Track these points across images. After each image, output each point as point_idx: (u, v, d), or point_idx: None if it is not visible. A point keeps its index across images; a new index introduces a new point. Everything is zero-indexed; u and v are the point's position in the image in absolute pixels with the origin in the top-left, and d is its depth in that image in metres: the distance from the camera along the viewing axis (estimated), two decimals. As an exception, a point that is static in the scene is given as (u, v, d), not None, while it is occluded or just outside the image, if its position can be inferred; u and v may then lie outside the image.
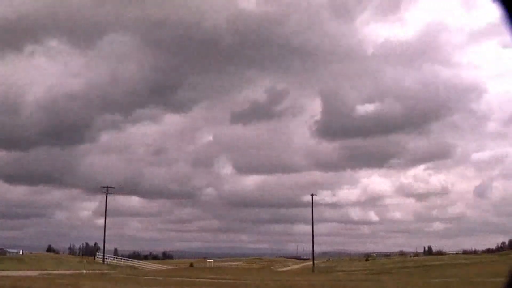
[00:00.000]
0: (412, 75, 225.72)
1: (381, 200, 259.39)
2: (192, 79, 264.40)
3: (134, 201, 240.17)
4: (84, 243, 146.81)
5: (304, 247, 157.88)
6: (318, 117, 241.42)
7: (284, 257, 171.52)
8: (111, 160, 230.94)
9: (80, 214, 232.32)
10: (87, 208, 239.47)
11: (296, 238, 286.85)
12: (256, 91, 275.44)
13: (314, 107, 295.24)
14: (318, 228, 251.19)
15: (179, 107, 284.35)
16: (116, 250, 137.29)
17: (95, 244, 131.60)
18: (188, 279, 51.90)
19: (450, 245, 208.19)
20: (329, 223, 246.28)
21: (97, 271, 68.95)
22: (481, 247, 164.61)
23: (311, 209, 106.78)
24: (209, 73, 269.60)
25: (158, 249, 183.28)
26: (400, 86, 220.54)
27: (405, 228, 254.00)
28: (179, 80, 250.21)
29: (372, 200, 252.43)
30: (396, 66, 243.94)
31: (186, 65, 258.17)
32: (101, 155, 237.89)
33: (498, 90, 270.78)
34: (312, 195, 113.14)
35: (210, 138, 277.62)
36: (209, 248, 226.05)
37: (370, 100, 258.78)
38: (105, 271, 69.44)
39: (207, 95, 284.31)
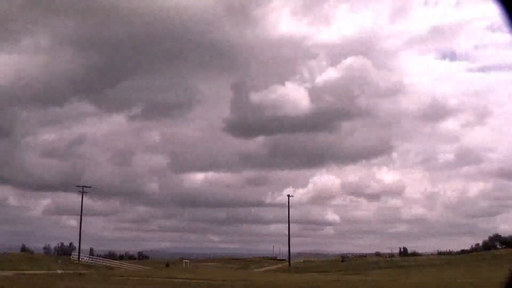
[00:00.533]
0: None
1: (337, 199, 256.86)
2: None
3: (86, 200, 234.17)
4: (60, 243, 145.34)
5: (281, 248, 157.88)
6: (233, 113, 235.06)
7: (260, 257, 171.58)
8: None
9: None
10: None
11: (266, 238, 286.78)
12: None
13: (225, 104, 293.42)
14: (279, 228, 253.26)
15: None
16: (91, 250, 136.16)
17: (71, 244, 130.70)
18: (165, 279, 51.85)
19: (421, 246, 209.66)
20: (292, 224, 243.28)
21: (73, 271, 68.52)
22: (448, 248, 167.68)
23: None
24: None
25: (135, 249, 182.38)
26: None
27: (372, 229, 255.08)
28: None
29: (327, 199, 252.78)
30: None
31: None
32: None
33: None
34: (288, 196, 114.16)
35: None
36: (182, 249, 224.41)
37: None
38: (81, 271, 69.03)
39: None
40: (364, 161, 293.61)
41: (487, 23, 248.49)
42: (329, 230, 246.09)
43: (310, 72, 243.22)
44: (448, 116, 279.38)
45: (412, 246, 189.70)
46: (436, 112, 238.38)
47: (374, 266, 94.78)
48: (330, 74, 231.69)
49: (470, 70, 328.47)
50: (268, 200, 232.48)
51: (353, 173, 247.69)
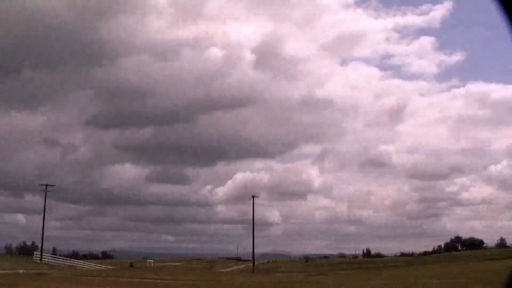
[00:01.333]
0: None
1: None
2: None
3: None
4: (22, 242, 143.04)
5: (245, 248, 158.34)
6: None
7: (224, 257, 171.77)
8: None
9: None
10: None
11: (224, 238, 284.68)
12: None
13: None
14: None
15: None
16: (54, 249, 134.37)
17: (33, 243, 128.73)
18: (129, 279, 51.54)
19: (385, 248, 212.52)
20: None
21: (35, 271, 67.45)
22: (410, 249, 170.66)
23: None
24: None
25: (98, 249, 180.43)
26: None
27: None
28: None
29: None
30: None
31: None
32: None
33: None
34: (253, 197, 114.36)
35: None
36: (144, 248, 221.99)
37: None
38: (43, 271, 68.02)
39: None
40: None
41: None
42: (275, 230, 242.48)
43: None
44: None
45: (375, 247, 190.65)
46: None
47: (340, 267, 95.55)
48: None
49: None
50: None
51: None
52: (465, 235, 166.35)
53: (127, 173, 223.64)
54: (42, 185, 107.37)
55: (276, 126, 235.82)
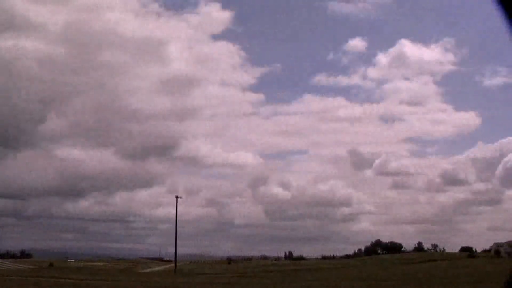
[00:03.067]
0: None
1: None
2: None
3: None
4: None
5: (168, 248, 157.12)
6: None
7: (146, 258, 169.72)
8: None
9: None
10: None
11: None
12: None
13: None
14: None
15: None
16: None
17: None
18: (52, 279, 50.37)
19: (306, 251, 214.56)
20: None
21: None
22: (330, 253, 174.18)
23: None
24: None
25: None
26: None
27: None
28: None
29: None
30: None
31: None
32: None
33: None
34: (176, 197, 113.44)
35: None
36: (63, 248, 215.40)
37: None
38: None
39: None
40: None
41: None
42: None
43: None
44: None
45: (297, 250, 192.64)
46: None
47: (263, 269, 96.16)
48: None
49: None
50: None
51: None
52: (385, 239, 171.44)
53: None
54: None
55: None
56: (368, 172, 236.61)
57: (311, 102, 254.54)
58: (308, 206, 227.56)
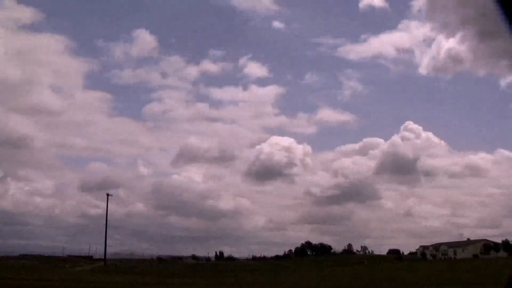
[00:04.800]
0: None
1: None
2: None
3: None
4: None
5: (97, 247, 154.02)
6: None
7: (75, 256, 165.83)
8: None
9: None
10: None
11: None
12: None
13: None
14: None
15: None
16: None
17: None
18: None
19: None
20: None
21: None
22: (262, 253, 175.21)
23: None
24: None
25: None
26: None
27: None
28: None
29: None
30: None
31: None
32: None
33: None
34: (107, 195, 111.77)
35: None
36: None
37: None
38: None
39: None
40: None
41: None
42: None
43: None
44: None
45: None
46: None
47: (194, 269, 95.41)
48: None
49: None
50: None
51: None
52: (315, 241, 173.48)
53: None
54: None
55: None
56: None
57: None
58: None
